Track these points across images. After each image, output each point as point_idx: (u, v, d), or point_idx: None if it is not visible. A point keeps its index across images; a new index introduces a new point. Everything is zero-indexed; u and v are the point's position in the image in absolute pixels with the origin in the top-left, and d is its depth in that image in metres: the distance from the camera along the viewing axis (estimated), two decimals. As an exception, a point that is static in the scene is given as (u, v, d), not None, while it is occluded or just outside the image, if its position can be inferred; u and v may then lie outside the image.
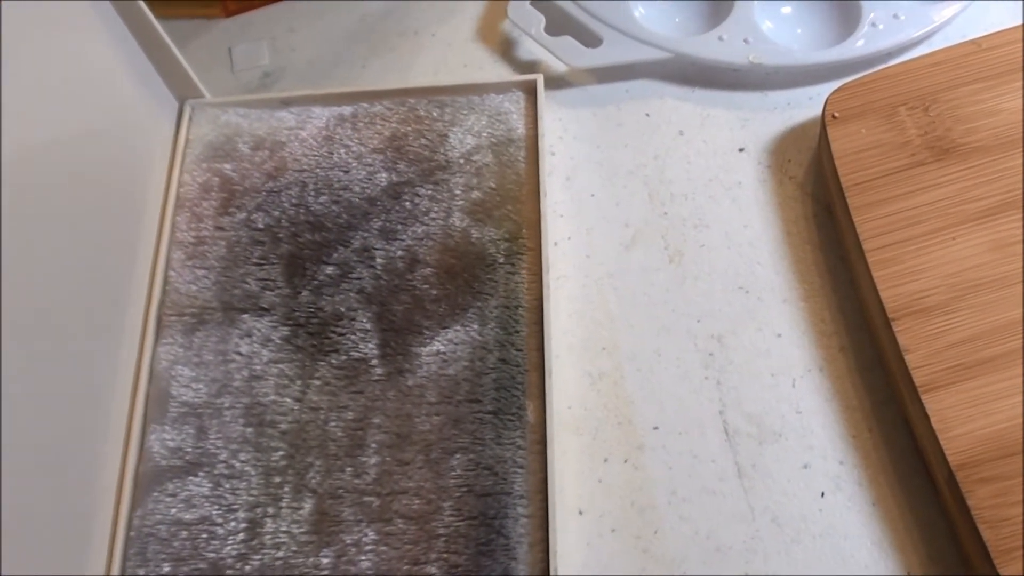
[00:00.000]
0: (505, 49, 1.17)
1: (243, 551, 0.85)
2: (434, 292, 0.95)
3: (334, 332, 0.94)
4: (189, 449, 0.90)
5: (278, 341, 0.94)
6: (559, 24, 1.12)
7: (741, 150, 1.06)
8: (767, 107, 1.09)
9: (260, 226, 1.00)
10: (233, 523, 0.86)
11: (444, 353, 0.92)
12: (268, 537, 0.86)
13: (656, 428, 0.92)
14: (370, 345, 0.93)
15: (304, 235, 0.99)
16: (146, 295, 0.97)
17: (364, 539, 0.85)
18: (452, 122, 1.05)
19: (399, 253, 0.97)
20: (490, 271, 0.95)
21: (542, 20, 1.11)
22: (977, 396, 0.83)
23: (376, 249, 0.97)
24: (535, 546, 0.84)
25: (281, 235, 0.99)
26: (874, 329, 0.92)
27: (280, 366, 0.93)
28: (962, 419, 0.82)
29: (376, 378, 0.91)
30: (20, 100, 0.80)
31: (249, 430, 0.90)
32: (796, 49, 1.09)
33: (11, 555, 0.73)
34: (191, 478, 0.88)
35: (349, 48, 1.19)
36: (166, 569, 0.85)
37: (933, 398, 0.83)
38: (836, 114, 0.97)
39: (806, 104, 1.08)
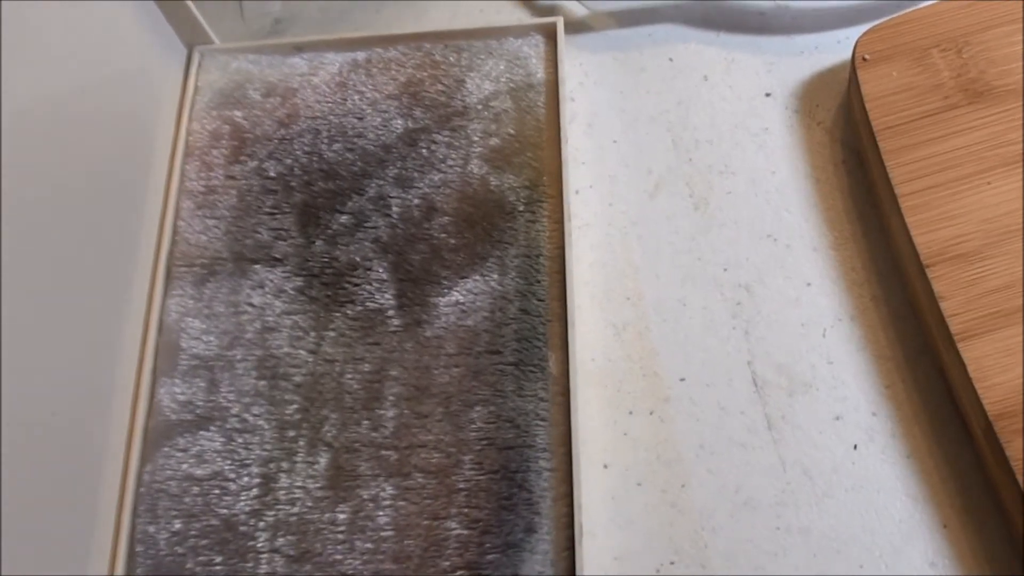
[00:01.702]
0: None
1: (256, 507, 0.83)
2: (452, 241, 0.92)
3: (349, 282, 0.92)
4: (200, 403, 0.88)
5: (291, 292, 0.92)
6: (579, -34, 1.09)
7: (768, 95, 1.03)
8: (794, 51, 1.06)
9: (272, 175, 0.97)
10: (246, 478, 0.85)
11: (463, 303, 0.90)
12: (282, 493, 0.84)
13: (682, 379, 0.90)
14: (386, 295, 0.91)
15: (317, 183, 0.97)
16: (155, 246, 0.95)
17: (382, 494, 0.83)
18: (469, 67, 1.02)
19: (415, 201, 0.95)
20: (510, 219, 0.93)
21: (562, -38, 1.07)
22: (1015, 344, 0.80)
23: (392, 197, 0.95)
24: (559, 500, 0.82)
25: (294, 184, 0.97)
26: (907, 277, 0.89)
27: (294, 317, 0.91)
28: (1000, 368, 0.79)
29: (393, 329, 0.89)
30: (25, 48, 0.77)
31: (262, 383, 0.88)
32: (823, -9, 1.06)
33: (17, 512, 0.71)
34: (202, 432, 0.86)
35: (363, -7, 1.16)
36: (177, 526, 0.83)
37: (969, 347, 0.80)
38: (866, 56, 0.95)
39: (834, 48, 1.05)
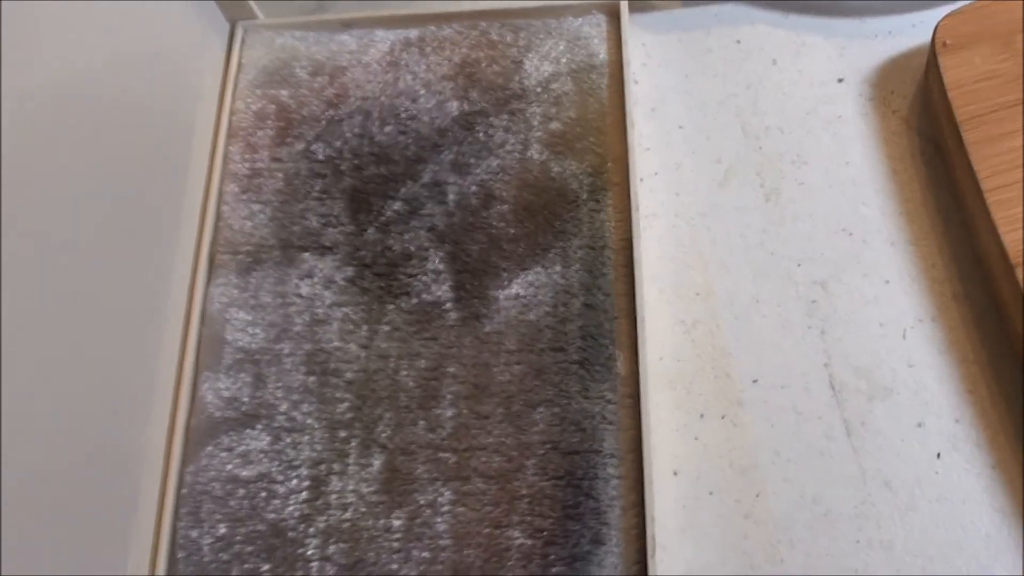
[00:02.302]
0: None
1: (306, 511, 0.80)
2: (512, 231, 0.89)
3: (403, 273, 0.88)
4: (246, 399, 0.85)
5: (342, 282, 0.88)
6: (642, -59, 1.06)
7: (840, 81, 1.00)
8: (866, 35, 1.02)
9: (320, 158, 0.94)
10: (295, 481, 0.82)
11: (524, 297, 0.86)
12: (334, 497, 0.81)
13: (756, 381, 0.86)
14: (443, 287, 0.88)
15: (369, 168, 0.93)
16: (197, 232, 0.92)
17: (439, 499, 0.80)
18: (528, 47, 0.99)
19: (473, 188, 0.92)
20: (572, 208, 0.90)
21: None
22: (1109, 352, 0.76)
23: (448, 184, 0.92)
24: (628, 510, 0.79)
25: (343, 168, 0.93)
26: (992, 276, 0.86)
27: (344, 310, 0.88)
28: (1094, 375, 0.75)
29: (450, 323, 0.86)
30: (62, 23, 0.74)
31: (311, 379, 0.85)
32: (898, -29, 1.02)
33: (53, 513, 0.69)
34: (248, 431, 0.84)
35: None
36: (222, 530, 0.80)
37: (1061, 353, 0.76)
38: (948, 41, 0.91)
39: (909, 32, 1.01)
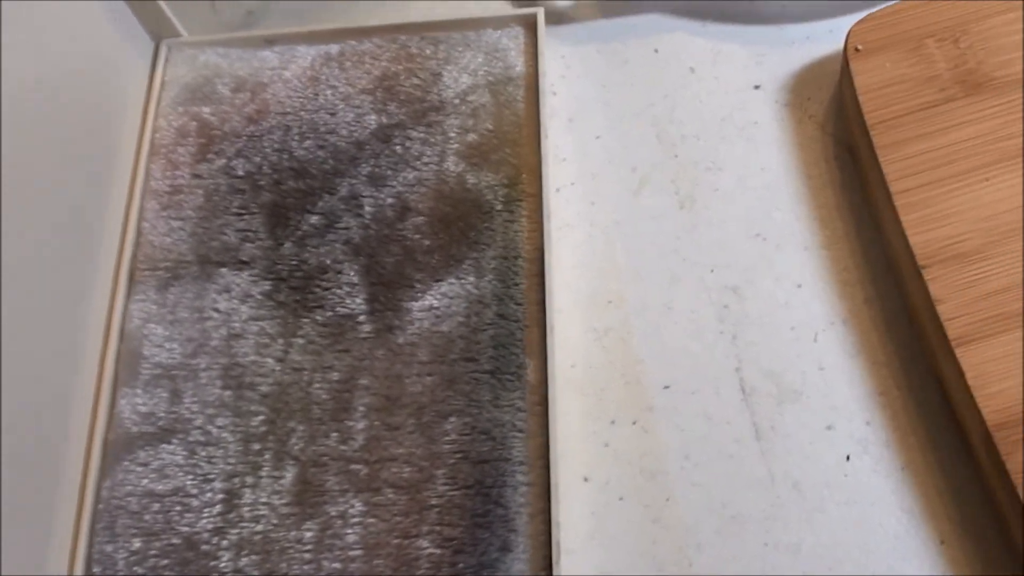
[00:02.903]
0: (504, -19, 1.11)
1: (220, 524, 0.81)
2: (427, 242, 0.90)
3: (319, 286, 0.89)
4: (162, 414, 0.85)
5: (258, 297, 0.89)
6: (561, -47, 1.07)
7: (757, 87, 1.00)
8: (784, 41, 1.03)
9: (240, 173, 0.95)
10: (209, 494, 0.82)
11: (437, 308, 0.87)
12: (247, 509, 0.81)
13: (667, 387, 0.87)
14: (357, 300, 0.88)
15: (287, 182, 0.94)
16: (118, 248, 0.92)
17: (351, 510, 0.80)
18: (446, 60, 0.99)
19: (389, 201, 0.92)
20: (487, 219, 0.90)
21: (542, -51, 1.04)
22: (1016, 350, 0.77)
23: (364, 196, 0.92)
24: (536, 517, 0.79)
25: (262, 183, 0.94)
26: (902, 278, 0.87)
27: (260, 323, 0.88)
28: (1000, 374, 0.77)
29: (364, 336, 0.87)
30: None
31: (227, 393, 0.85)
32: (815, -22, 1.03)
33: None
34: (164, 446, 0.84)
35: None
36: (137, 544, 0.80)
37: (968, 352, 0.77)
38: (859, 47, 0.92)
39: (826, 38, 1.02)
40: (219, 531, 0.80)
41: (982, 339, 0.78)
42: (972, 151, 0.85)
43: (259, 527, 0.80)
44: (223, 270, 0.90)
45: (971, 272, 0.80)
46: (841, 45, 0.95)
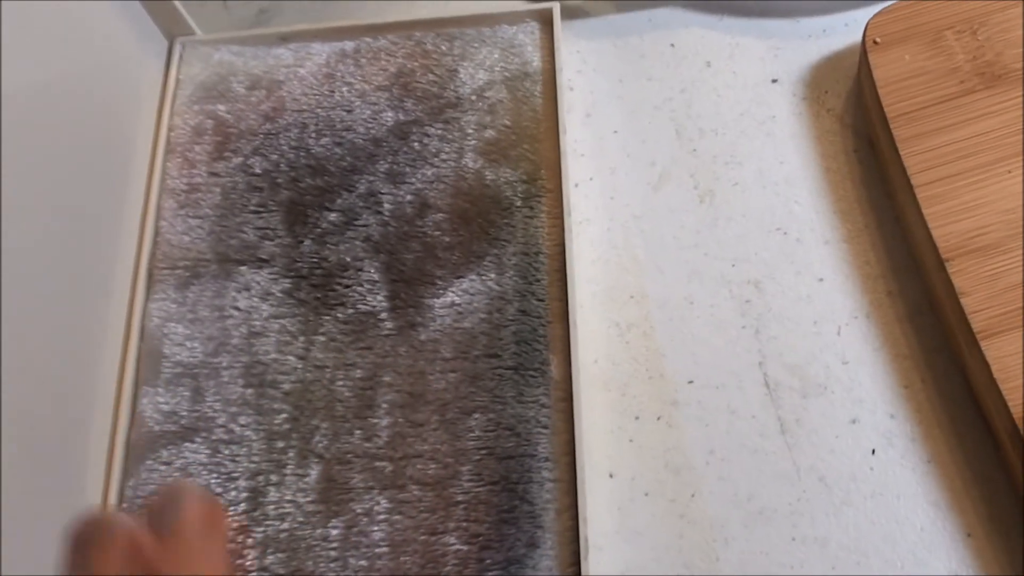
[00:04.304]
0: (519, -23, 1.10)
1: (245, 523, 0.80)
2: (447, 239, 0.89)
3: (339, 284, 0.89)
4: (184, 413, 0.85)
5: (279, 294, 0.89)
6: (576, -52, 1.06)
7: (774, 81, 1.00)
8: (800, 35, 1.02)
9: (258, 171, 0.94)
10: (234, 492, 0.81)
11: (459, 305, 0.87)
12: (272, 507, 0.81)
13: (691, 382, 0.87)
14: (379, 297, 0.88)
15: (305, 180, 0.93)
16: (136, 247, 0.92)
17: (376, 508, 0.80)
18: (462, 56, 0.99)
19: (408, 198, 0.92)
20: (507, 215, 0.90)
21: (558, -57, 1.04)
22: (1042, 342, 0.77)
23: (383, 194, 0.92)
24: (563, 512, 0.79)
25: (280, 180, 0.94)
26: (925, 271, 0.86)
27: (281, 321, 0.88)
28: (1025, 367, 0.76)
29: (386, 333, 0.86)
30: None
31: (249, 391, 0.85)
32: (830, -29, 1.03)
33: None
34: (187, 444, 0.83)
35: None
36: None
37: (993, 345, 0.77)
38: (878, 39, 0.91)
39: (842, 31, 1.02)
40: (244, 529, 0.79)
41: (1007, 331, 0.77)
42: (993, 143, 0.85)
43: (284, 525, 0.79)
44: (242, 268, 0.89)
45: (995, 264, 0.80)
46: (858, 38, 0.94)
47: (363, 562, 0.78)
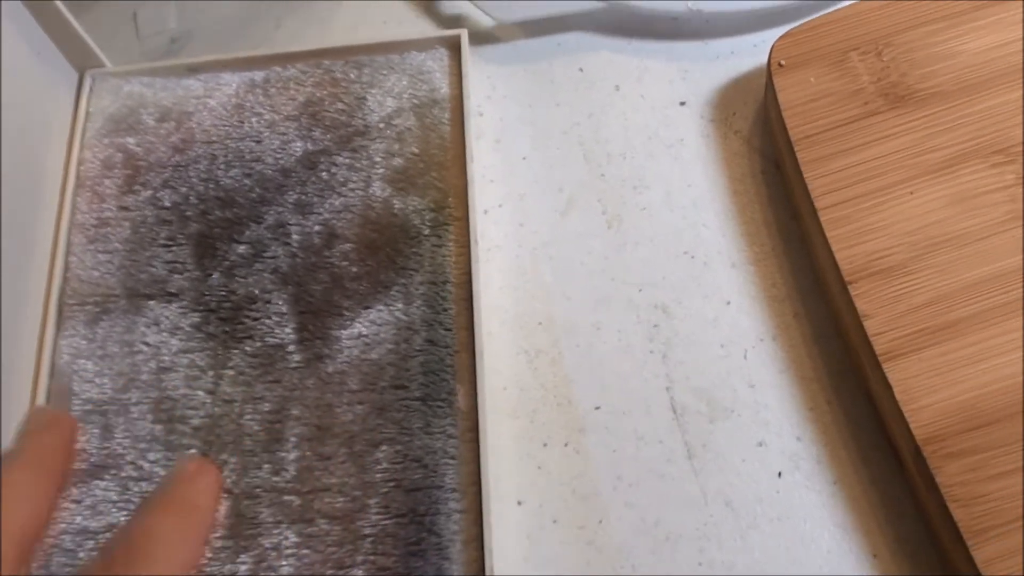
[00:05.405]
0: (428, 3, 1.11)
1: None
2: (354, 269, 0.89)
3: (248, 317, 0.88)
4: (94, 450, 0.84)
5: (188, 329, 0.88)
6: (484, -27, 1.06)
7: (682, 104, 1.00)
8: (708, 57, 1.03)
9: (167, 204, 0.94)
10: None
11: (366, 336, 0.86)
12: None
13: (598, 408, 0.87)
14: (286, 330, 0.87)
15: (214, 212, 0.93)
16: (46, 283, 0.91)
17: (284, 542, 0.79)
18: (371, 84, 0.99)
19: (316, 228, 0.92)
20: (415, 244, 0.90)
21: (466, -31, 1.04)
22: (943, 363, 0.78)
23: (291, 224, 0.92)
24: (469, 543, 0.79)
25: (189, 213, 0.93)
26: (830, 294, 0.87)
27: (190, 356, 0.87)
28: (927, 389, 0.77)
29: (294, 365, 0.86)
30: None
31: (158, 427, 0.84)
32: (738, -7, 1.03)
33: None
34: (96, 482, 0.83)
35: (262, 6, 1.12)
36: None
37: (895, 367, 0.78)
38: (782, 62, 0.92)
39: (750, 52, 1.03)
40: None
41: (909, 353, 0.78)
42: (896, 164, 0.86)
43: (193, 562, 0.79)
44: (152, 303, 0.89)
45: (897, 286, 0.81)
46: (764, 60, 0.95)
47: (272, 599, 0.78)
